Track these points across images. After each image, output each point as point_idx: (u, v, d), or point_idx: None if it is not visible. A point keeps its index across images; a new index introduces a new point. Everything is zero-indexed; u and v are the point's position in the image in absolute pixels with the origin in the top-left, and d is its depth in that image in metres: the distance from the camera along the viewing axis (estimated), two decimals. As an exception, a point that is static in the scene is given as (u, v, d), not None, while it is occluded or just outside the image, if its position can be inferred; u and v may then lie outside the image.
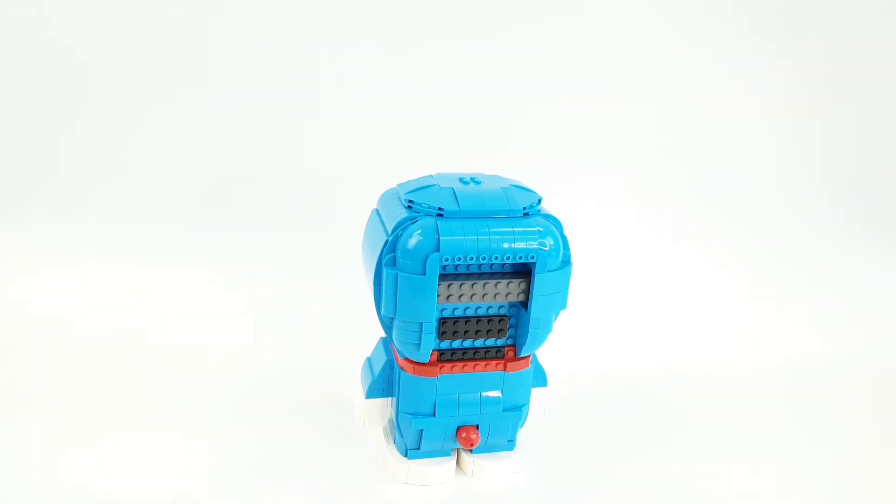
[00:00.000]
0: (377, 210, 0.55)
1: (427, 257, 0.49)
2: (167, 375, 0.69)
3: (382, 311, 0.51)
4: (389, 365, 0.56)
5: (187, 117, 0.85)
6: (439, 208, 0.50)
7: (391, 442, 0.58)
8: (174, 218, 0.85)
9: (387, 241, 0.50)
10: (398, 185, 0.56)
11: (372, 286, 0.52)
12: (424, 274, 0.49)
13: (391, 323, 0.52)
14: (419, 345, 0.51)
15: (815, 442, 0.64)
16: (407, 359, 0.53)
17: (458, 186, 0.52)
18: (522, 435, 0.59)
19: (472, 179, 0.54)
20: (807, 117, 0.93)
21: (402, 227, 0.50)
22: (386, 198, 0.55)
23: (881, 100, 0.93)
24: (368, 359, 0.59)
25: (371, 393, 0.56)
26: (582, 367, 0.73)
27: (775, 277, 0.89)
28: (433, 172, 0.57)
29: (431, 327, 0.50)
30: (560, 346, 0.65)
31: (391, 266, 0.50)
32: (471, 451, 0.57)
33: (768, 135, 0.93)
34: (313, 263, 0.83)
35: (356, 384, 0.58)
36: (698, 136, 0.92)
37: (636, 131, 0.90)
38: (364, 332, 0.65)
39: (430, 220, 0.50)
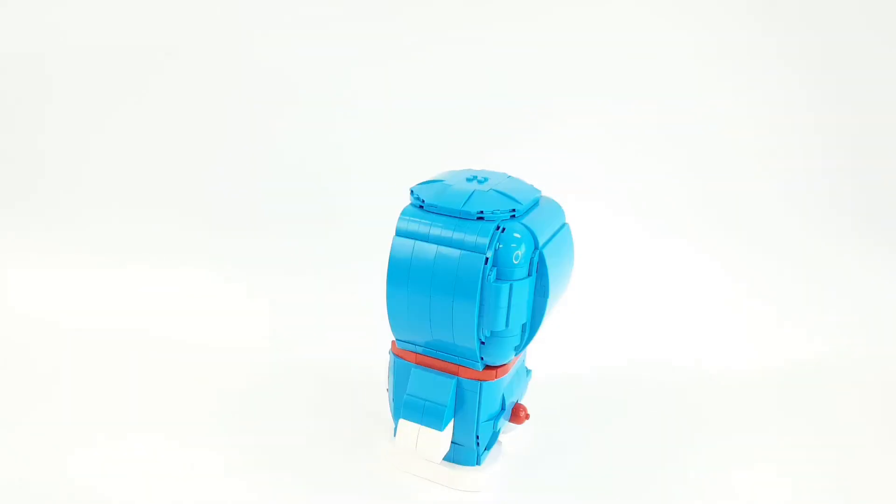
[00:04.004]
0: (419, 234, 0.51)
1: (531, 258, 0.50)
2: (174, 376, 0.68)
3: (493, 329, 0.50)
4: (457, 385, 0.53)
5: (193, 115, 0.86)
6: (512, 210, 0.51)
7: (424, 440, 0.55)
8: (181, 216, 0.86)
9: (487, 259, 0.49)
10: (415, 195, 0.52)
11: (461, 315, 0.49)
12: (530, 275, 0.50)
13: (489, 339, 0.51)
14: (519, 346, 0.52)
15: (816, 443, 0.64)
16: (489, 367, 0.53)
17: (473, 186, 0.52)
18: (522, 434, 0.61)
19: (476, 178, 0.54)
20: (809, 119, 0.93)
21: (497, 240, 0.49)
22: (417, 219, 0.51)
23: (884, 102, 0.93)
24: (413, 395, 0.54)
25: (446, 421, 0.53)
26: (582, 368, 0.72)
27: (777, 279, 0.88)
28: (442, 171, 0.55)
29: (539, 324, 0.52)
30: (560, 347, 0.69)
31: (502, 280, 0.49)
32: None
33: (771, 136, 0.93)
34: (317, 263, 0.83)
35: (409, 430, 0.54)
36: (702, 138, 0.91)
37: (639, 131, 0.89)
38: (367, 332, 0.66)
39: (515, 224, 0.50)
